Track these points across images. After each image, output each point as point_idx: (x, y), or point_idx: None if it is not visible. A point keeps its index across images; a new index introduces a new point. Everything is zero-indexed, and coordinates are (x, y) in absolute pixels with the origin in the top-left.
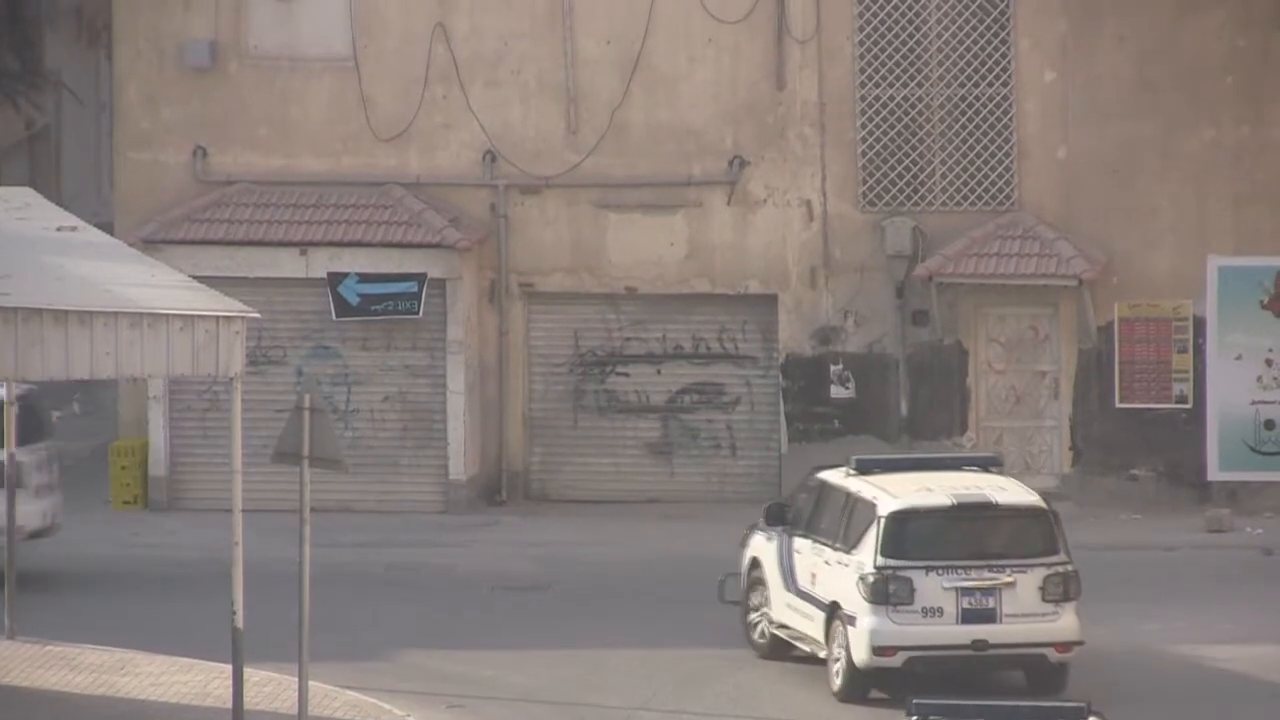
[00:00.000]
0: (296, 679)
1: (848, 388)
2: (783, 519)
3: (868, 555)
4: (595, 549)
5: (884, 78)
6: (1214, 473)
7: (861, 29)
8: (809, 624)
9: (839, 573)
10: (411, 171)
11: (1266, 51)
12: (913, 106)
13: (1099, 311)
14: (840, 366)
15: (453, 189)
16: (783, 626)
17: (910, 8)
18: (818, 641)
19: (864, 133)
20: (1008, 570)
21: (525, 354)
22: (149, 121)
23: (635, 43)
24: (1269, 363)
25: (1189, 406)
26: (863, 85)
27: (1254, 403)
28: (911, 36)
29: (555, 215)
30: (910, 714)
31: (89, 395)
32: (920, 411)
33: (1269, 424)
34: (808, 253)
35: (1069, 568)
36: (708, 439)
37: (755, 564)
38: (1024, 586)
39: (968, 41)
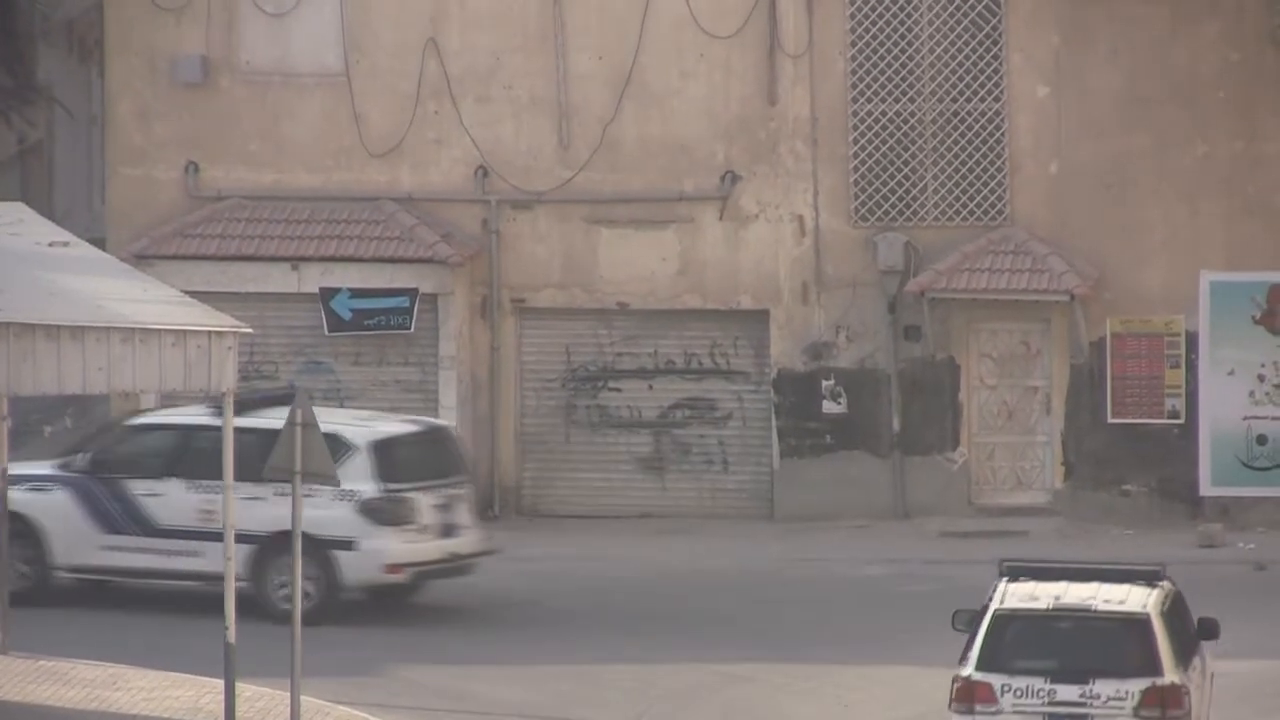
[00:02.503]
0: (289, 694)
1: (840, 403)
2: None
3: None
4: (587, 564)
5: (876, 93)
6: (1206, 488)
7: (853, 44)
8: None
9: None
10: (403, 187)
11: (1259, 66)
12: (905, 121)
13: (1091, 326)
14: (832, 382)
15: (445, 204)
16: None
17: (902, 23)
18: None
19: (856, 148)
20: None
21: (517, 369)
22: (141, 136)
23: (627, 58)
24: (1261, 378)
25: (1181, 422)
26: (855, 100)
27: (1246, 418)
28: (904, 51)
29: (547, 230)
30: (1002, 573)
31: (81, 410)
32: (912, 427)
33: (1261, 439)
34: (799, 268)
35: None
36: (700, 454)
37: None
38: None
39: (960, 56)
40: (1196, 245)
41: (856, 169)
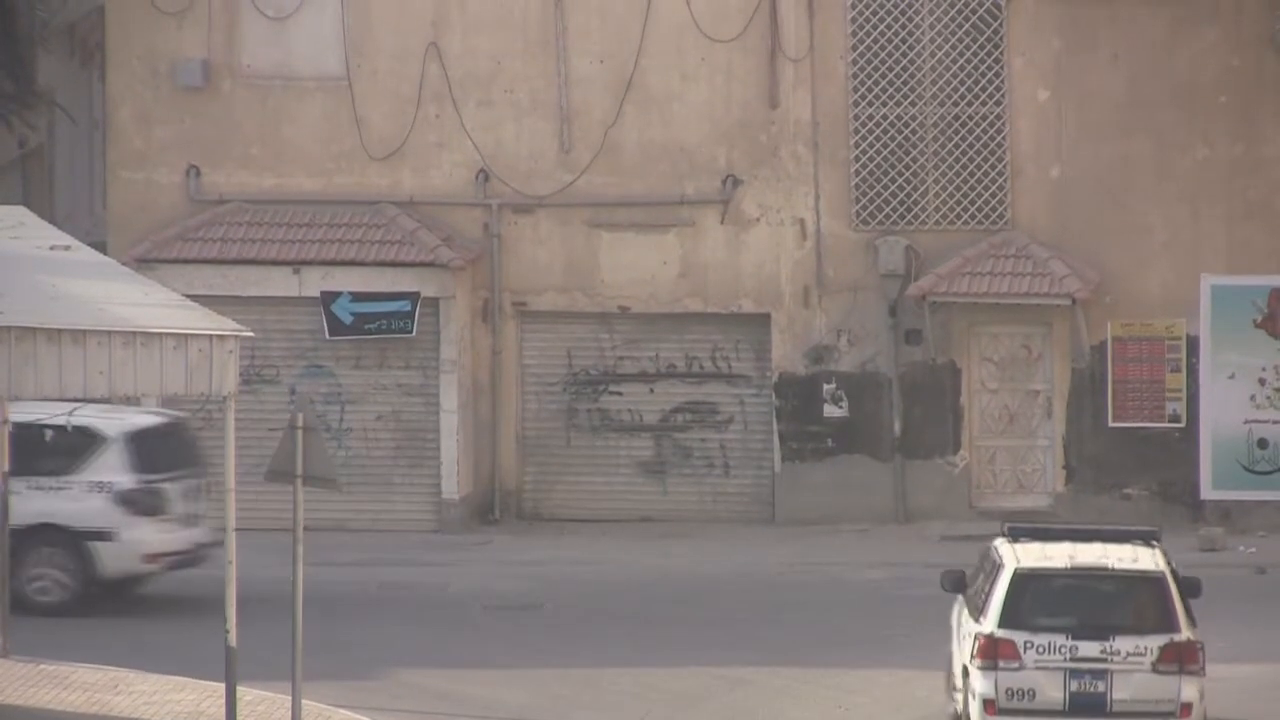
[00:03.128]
0: (290, 698)
1: (841, 407)
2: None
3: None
4: (588, 568)
5: (877, 96)
6: (1207, 492)
7: (855, 48)
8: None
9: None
10: (405, 190)
11: (1260, 70)
12: (906, 125)
13: (1092, 330)
14: (833, 385)
15: (446, 208)
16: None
17: (903, 27)
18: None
19: (857, 152)
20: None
21: (518, 373)
22: (142, 140)
23: (628, 62)
24: (1262, 381)
25: (1182, 425)
26: (856, 104)
27: (1247, 422)
28: (905, 55)
29: (548, 234)
30: (1004, 533)
31: None
32: (913, 430)
33: (1262, 443)
34: (801, 272)
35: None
36: (701, 458)
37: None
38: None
39: (961, 60)
40: (1197, 249)
41: (858, 173)
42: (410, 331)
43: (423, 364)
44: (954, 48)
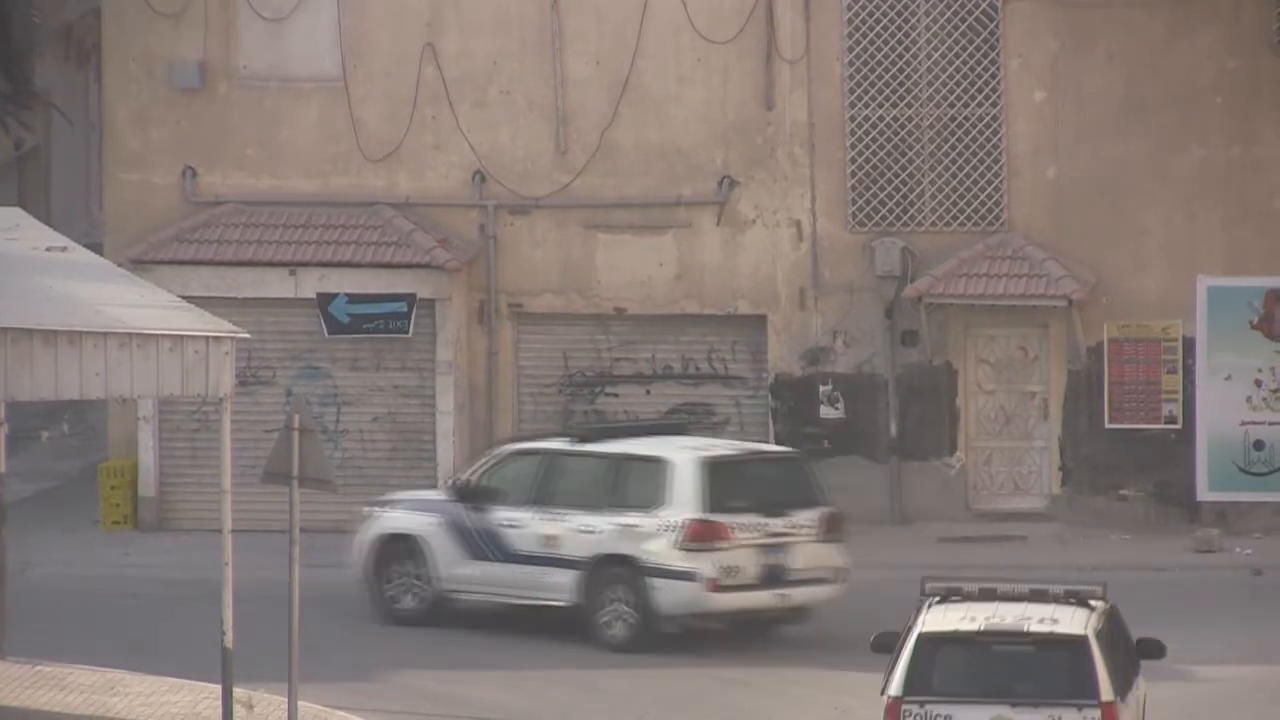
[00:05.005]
0: (286, 699)
1: (837, 408)
2: None
3: None
4: None
5: (873, 98)
6: (1203, 493)
7: (851, 49)
8: None
9: None
10: (401, 192)
11: (1256, 72)
12: (902, 127)
13: (1088, 332)
14: (829, 387)
15: (442, 209)
16: None
17: (900, 28)
18: None
19: (853, 153)
20: None
21: (514, 374)
22: (138, 142)
23: (624, 63)
24: (1258, 383)
25: (1178, 427)
26: (852, 105)
27: (1243, 423)
28: (901, 57)
29: (544, 236)
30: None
31: (78, 416)
32: (910, 432)
33: (1258, 444)
34: (797, 273)
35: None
36: None
37: None
38: None
39: (957, 61)
40: (1194, 250)
41: (854, 174)
42: (406, 333)
43: (419, 365)
44: (950, 49)
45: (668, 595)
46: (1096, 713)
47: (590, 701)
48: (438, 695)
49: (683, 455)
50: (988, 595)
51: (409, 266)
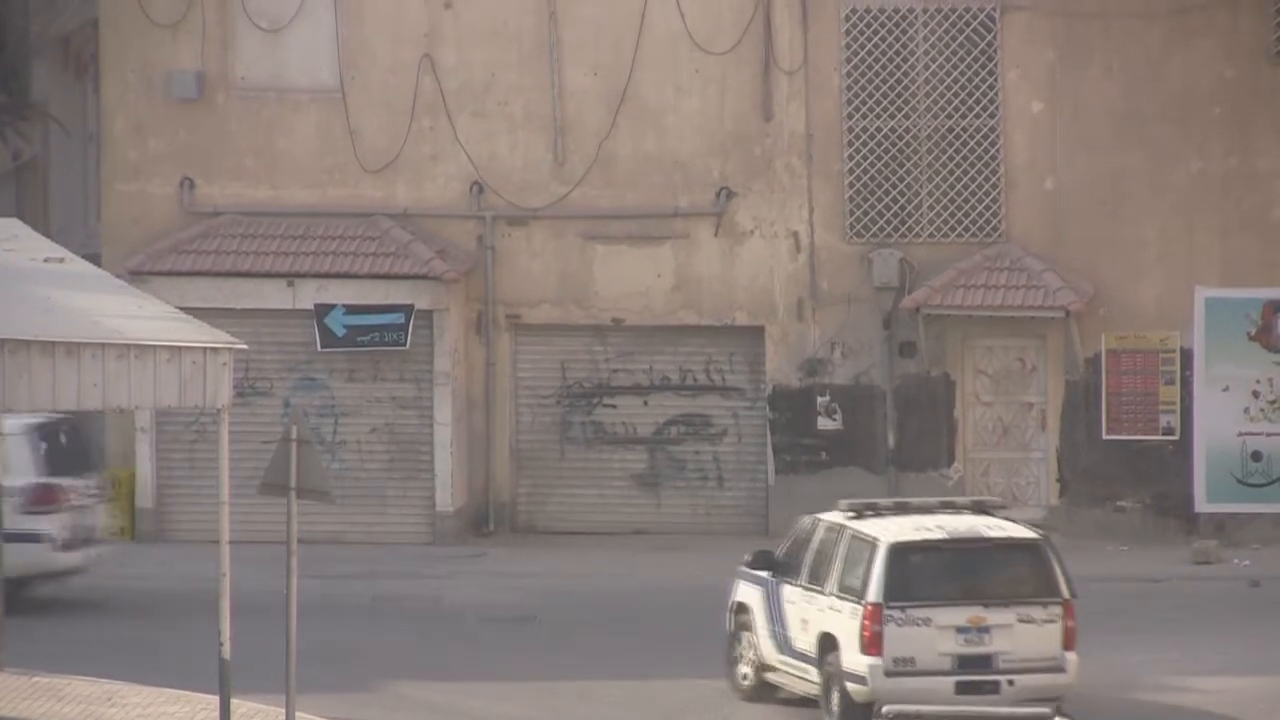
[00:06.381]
0: (284, 710)
1: (835, 419)
2: None
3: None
4: (582, 580)
5: (871, 109)
6: (1201, 504)
7: (849, 60)
8: None
9: None
10: (399, 203)
11: (1254, 83)
12: (900, 138)
13: (1086, 343)
14: (827, 398)
15: (440, 220)
16: None
17: (897, 39)
18: None
19: (851, 164)
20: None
21: (512, 385)
22: (136, 152)
23: (622, 74)
24: (1256, 394)
25: (1176, 438)
26: (850, 116)
27: (1241, 434)
28: (899, 68)
29: (542, 247)
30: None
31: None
32: (907, 443)
33: (1256, 455)
34: (795, 284)
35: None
36: (694, 470)
37: None
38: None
39: (955, 73)
40: (1191, 261)
41: (852, 185)
42: (404, 344)
43: (416, 376)
44: (948, 60)
45: None
46: (1059, 609)
47: (587, 712)
48: (436, 705)
49: None
50: (902, 509)
51: (407, 277)
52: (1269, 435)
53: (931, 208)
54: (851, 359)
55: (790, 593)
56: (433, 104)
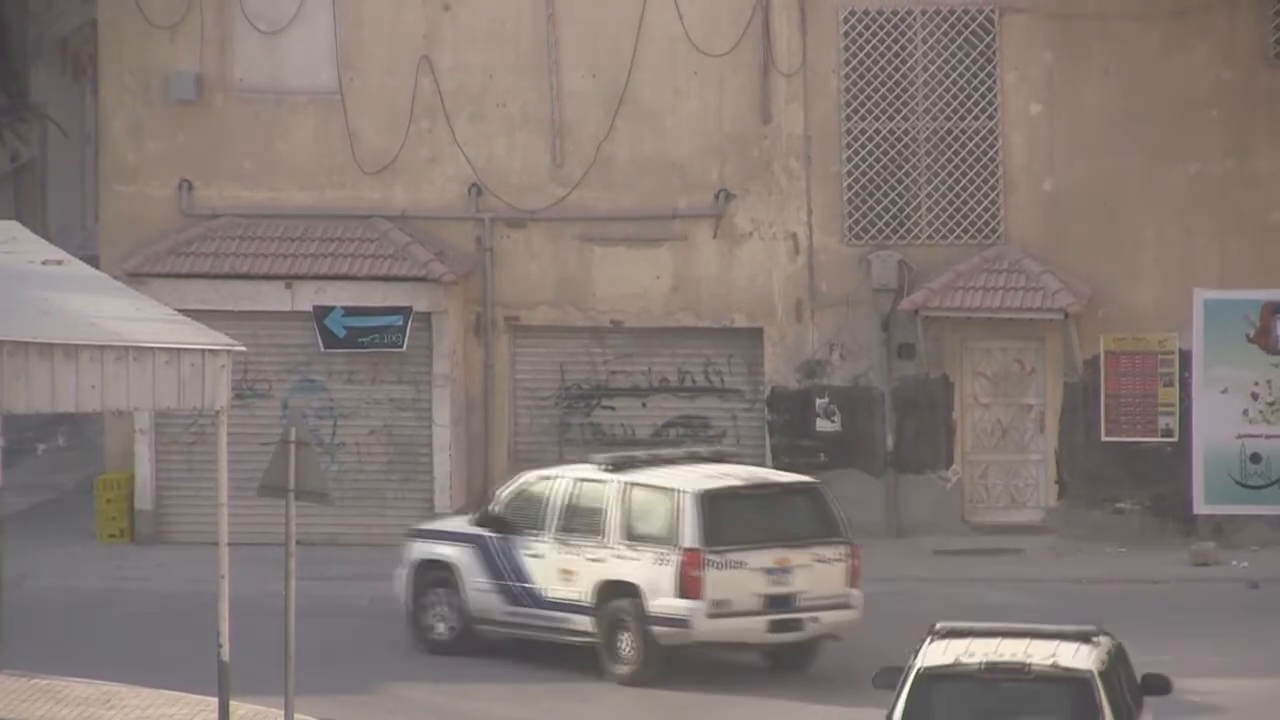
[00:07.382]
0: (282, 712)
1: (833, 421)
2: None
3: None
4: None
5: (869, 111)
6: (1200, 506)
7: (847, 62)
8: None
9: None
10: (397, 205)
11: (1252, 85)
12: (898, 140)
13: (1085, 345)
14: (826, 400)
15: (438, 222)
16: None
17: (896, 41)
18: None
19: (849, 166)
20: None
21: (511, 387)
22: (134, 154)
23: (621, 76)
24: (1254, 396)
25: (1175, 440)
26: (848, 118)
27: (1240, 436)
28: (897, 70)
29: (541, 248)
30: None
31: (74, 428)
32: (906, 445)
33: (1255, 457)
34: (793, 286)
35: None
36: None
37: None
38: None
39: (953, 75)
40: (1190, 263)
41: (850, 187)
42: (402, 346)
43: (415, 378)
44: (946, 62)
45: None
46: (845, 548)
47: (588, 713)
48: (434, 708)
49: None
50: (656, 460)
51: (405, 279)
52: (1268, 437)
53: (930, 209)
54: (850, 361)
55: (533, 546)
56: (431, 106)
